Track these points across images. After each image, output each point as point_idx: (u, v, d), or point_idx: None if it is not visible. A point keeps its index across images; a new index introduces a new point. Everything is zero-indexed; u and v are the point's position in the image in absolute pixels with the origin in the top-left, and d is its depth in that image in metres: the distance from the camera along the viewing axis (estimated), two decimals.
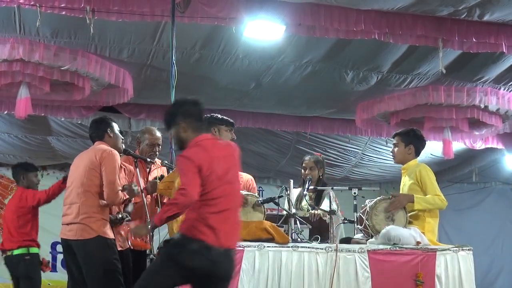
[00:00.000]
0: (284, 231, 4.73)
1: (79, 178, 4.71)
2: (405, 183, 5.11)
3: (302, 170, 5.80)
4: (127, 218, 5.08)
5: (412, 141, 5.15)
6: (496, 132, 9.07)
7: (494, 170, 11.76)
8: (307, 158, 5.83)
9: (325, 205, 5.47)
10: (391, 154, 5.38)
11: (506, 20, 6.26)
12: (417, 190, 4.95)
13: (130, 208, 5.22)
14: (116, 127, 5.00)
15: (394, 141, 5.23)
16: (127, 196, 4.78)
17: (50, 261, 10.82)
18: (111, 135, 4.91)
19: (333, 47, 7.06)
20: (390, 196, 4.94)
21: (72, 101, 7.80)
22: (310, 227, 4.99)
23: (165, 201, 5.35)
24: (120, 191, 4.69)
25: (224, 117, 5.07)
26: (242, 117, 9.09)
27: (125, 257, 5.05)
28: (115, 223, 5.00)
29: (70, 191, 4.77)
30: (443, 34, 6.36)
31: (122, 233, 5.13)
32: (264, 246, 4.39)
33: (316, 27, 6.24)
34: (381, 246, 4.63)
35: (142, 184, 5.04)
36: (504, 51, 6.58)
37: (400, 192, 5.11)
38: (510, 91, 8.13)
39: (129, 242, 5.17)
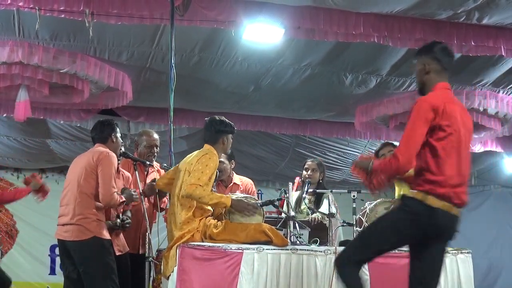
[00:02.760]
0: (283, 234, 4.73)
1: (76, 179, 4.73)
2: (400, 191, 5.10)
3: (304, 172, 5.82)
4: (127, 221, 5.08)
5: None
6: (495, 135, 9.08)
7: (493, 173, 11.76)
8: (309, 160, 5.93)
9: (324, 208, 5.48)
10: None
11: (505, 23, 6.27)
12: None
13: (129, 213, 5.22)
14: (119, 132, 5.02)
15: (389, 150, 5.15)
16: (123, 199, 4.78)
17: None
18: (114, 140, 4.94)
19: (332, 50, 7.07)
20: (391, 200, 4.95)
21: (71, 104, 7.80)
22: (309, 229, 4.99)
23: (162, 206, 5.35)
24: (115, 193, 4.69)
25: (232, 124, 4.82)
26: (241, 120, 9.09)
27: (123, 261, 5.05)
28: (114, 229, 5.01)
29: (66, 192, 4.78)
30: (442, 38, 6.37)
31: (121, 237, 5.13)
32: (263, 249, 4.38)
33: (315, 30, 6.25)
34: None
35: (141, 187, 5.04)
36: (503, 54, 6.60)
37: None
38: (509, 94, 8.14)
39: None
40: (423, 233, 3.61)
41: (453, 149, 3.63)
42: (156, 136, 5.56)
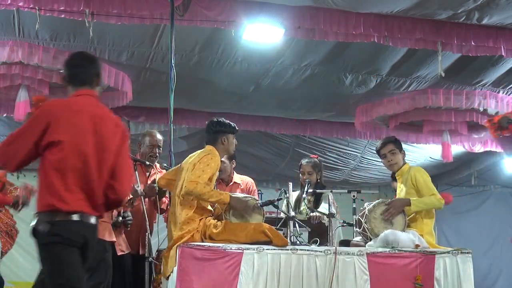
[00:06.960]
0: (283, 234, 4.72)
1: None
2: (402, 189, 5.10)
3: (300, 175, 5.78)
4: (129, 218, 5.07)
5: (401, 147, 5.20)
6: None
7: (493, 173, 11.77)
8: (304, 162, 5.78)
9: (323, 208, 5.46)
10: (388, 164, 5.25)
11: (505, 23, 6.28)
12: (413, 193, 4.95)
13: (129, 211, 5.22)
14: None
15: (390, 149, 5.15)
16: (131, 196, 4.78)
17: None
18: None
19: (332, 50, 7.07)
20: (389, 200, 4.94)
21: None
22: (309, 230, 4.99)
23: (163, 206, 5.34)
24: None
25: (231, 123, 4.82)
26: (241, 120, 9.09)
27: (126, 261, 5.05)
28: (116, 227, 5.00)
29: None
30: (442, 38, 6.38)
31: (123, 237, 5.13)
32: (263, 249, 4.38)
33: (315, 30, 6.25)
34: (380, 249, 4.62)
35: (141, 188, 5.03)
36: (503, 54, 6.60)
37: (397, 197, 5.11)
38: (509, 94, 8.14)
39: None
40: None
41: None
42: (159, 136, 5.54)
